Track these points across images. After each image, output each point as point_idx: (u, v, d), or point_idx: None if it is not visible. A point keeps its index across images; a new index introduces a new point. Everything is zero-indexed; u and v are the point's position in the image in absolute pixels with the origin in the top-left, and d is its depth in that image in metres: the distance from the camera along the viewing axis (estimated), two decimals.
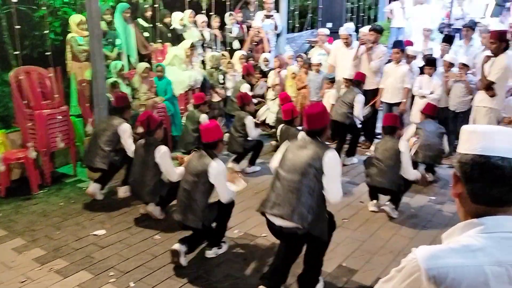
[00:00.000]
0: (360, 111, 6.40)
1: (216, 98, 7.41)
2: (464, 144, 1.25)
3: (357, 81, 6.53)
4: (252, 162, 6.18)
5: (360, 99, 6.38)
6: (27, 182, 5.38)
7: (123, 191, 5.11)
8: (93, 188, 5.10)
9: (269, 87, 7.80)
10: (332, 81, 7.25)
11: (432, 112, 5.79)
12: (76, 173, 5.95)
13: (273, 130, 7.95)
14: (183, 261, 3.75)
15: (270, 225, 3.22)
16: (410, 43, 7.50)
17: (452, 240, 1.24)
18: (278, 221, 3.12)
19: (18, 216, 4.79)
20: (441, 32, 9.25)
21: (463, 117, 6.31)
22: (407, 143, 4.81)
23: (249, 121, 6.00)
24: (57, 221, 4.65)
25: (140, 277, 3.64)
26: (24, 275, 3.65)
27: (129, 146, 5.02)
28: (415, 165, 5.19)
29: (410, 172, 4.69)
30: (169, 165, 4.45)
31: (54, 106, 5.58)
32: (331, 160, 3.05)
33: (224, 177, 3.81)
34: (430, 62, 6.51)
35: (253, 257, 3.96)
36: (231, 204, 3.97)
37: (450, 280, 1.13)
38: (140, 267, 3.79)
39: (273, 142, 6.91)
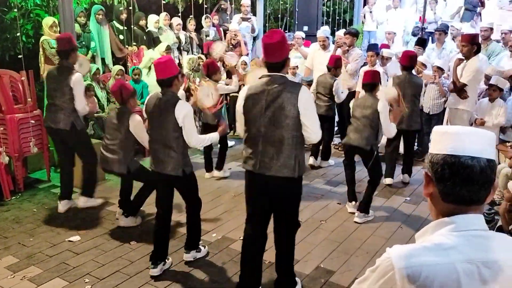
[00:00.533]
0: (340, 95, 6.33)
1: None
2: (436, 145, 1.28)
3: (331, 67, 6.21)
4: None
5: (338, 82, 6.19)
6: None
7: (83, 201, 4.98)
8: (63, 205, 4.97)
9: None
10: (309, 84, 7.29)
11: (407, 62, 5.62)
12: (50, 179, 5.82)
13: None
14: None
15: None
16: (386, 46, 7.62)
17: (425, 239, 1.26)
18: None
19: None
20: (415, 35, 9.43)
21: (437, 119, 6.44)
22: (386, 103, 4.75)
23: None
24: (30, 228, 4.54)
25: (116, 283, 3.59)
26: (6, 268, 3.56)
27: (81, 100, 4.77)
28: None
29: (390, 130, 4.68)
30: (144, 133, 4.21)
31: (26, 110, 5.46)
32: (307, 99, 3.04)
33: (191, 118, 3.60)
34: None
35: (231, 261, 3.94)
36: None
37: (423, 278, 1.15)
38: (116, 273, 3.74)
39: None
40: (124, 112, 4.40)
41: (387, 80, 6.73)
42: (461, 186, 1.22)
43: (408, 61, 5.62)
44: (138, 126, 4.32)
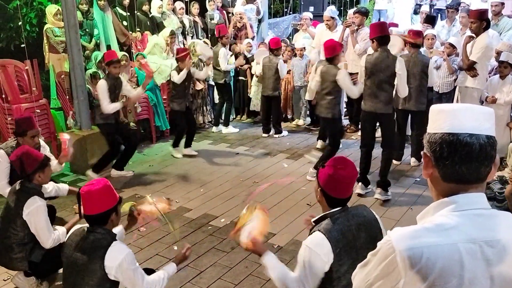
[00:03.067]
0: (283, 71, 6.85)
1: (199, 86, 7.32)
2: (433, 124, 1.24)
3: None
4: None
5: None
6: None
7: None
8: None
9: (253, 74, 7.75)
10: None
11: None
12: None
13: (259, 117, 7.94)
14: None
15: None
16: (395, 25, 7.45)
17: (426, 220, 1.23)
18: None
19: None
20: (416, 13, 9.23)
21: (447, 98, 6.31)
22: (346, 71, 5.24)
23: None
24: None
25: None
26: (7, 273, 3.57)
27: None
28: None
29: (353, 91, 5.11)
30: (43, 224, 3.18)
31: (32, 100, 5.46)
32: None
33: None
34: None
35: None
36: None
37: (425, 260, 1.12)
38: None
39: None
40: (25, 191, 3.21)
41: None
42: (460, 164, 1.18)
43: (416, 38, 5.48)
44: (36, 213, 3.16)
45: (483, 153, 1.18)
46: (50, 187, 3.70)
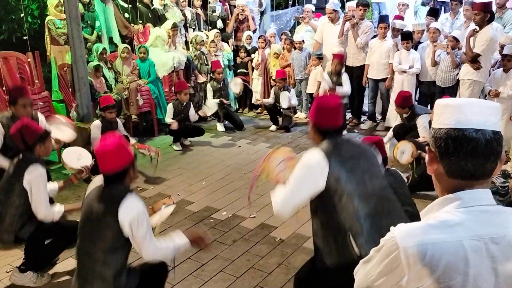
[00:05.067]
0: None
1: (201, 79, 7.31)
2: (438, 119, 1.22)
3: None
4: None
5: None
6: None
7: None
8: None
9: (254, 67, 7.73)
10: (319, 58, 7.18)
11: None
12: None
13: (260, 109, 7.93)
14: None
15: None
16: (400, 18, 7.38)
17: (430, 216, 1.22)
18: None
19: None
20: (424, 5, 9.16)
21: (450, 92, 6.29)
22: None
23: None
24: None
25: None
26: (9, 264, 3.59)
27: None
28: None
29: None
30: (42, 195, 3.16)
31: (34, 92, 5.44)
32: None
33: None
34: (405, 36, 6.42)
35: (241, 239, 3.95)
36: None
37: (429, 257, 1.11)
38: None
39: None
40: (27, 159, 3.21)
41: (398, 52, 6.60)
42: (466, 160, 1.17)
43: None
44: (36, 180, 3.14)
45: (489, 148, 1.16)
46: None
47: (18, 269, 3.33)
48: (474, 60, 5.51)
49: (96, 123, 5.21)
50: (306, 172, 2.29)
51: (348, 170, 2.27)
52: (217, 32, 7.69)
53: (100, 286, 2.43)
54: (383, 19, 6.94)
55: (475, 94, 5.53)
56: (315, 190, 2.26)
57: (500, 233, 1.15)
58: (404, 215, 2.45)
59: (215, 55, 7.43)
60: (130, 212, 2.36)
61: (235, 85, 7.05)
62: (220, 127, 7.11)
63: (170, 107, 6.24)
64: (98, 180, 2.55)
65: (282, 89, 6.88)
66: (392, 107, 6.18)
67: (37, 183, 3.13)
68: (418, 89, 6.75)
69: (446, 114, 1.20)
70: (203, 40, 7.33)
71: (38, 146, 3.23)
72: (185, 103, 6.24)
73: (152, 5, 7.54)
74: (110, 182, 2.47)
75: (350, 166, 2.29)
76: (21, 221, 3.19)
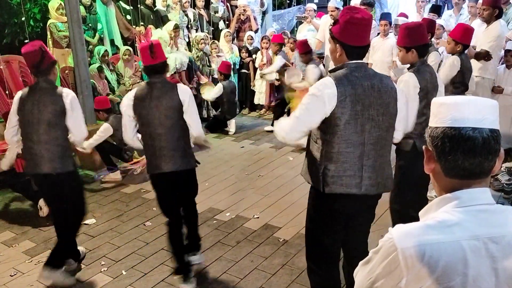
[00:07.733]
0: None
1: (203, 80, 7.31)
2: (434, 118, 1.20)
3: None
4: None
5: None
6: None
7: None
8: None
9: (257, 67, 7.72)
10: (320, 57, 7.15)
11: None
12: None
13: (264, 110, 7.91)
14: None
15: None
16: (404, 15, 7.33)
17: (429, 216, 1.20)
18: None
19: (7, 208, 4.73)
20: (429, 1, 9.12)
21: None
22: None
23: None
24: None
25: (132, 264, 3.61)
26: (14, 268, 3.60)
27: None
28: None
29: None
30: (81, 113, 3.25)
31: None
32: None
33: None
34: None
35: (245, 240, 3.93)
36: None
37: (427, 257, 1.10)
38: (132, 254, 3.76)
39: None
40: (52, 86, 3.18)
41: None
42: (463, 159, 1.14)
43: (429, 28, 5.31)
44: (75, 101, 3.21)
45: (487, 147, 1.14)
46: None
47: (49, 266, 3.31)
48: (480, 58, 5.43)
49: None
50: (314, 99, 2.25)
51: (354, 110, 2.22)
52: (227, 32, 7.67)
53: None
54: (384, 16, 6.90)
55: (486, 91, 5.44)
56: (322, 116, 2.24)
57: (500, 232, 1.13)
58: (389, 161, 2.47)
59: (218, 55, 7.43)
60: (186, 93, 3.10)
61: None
62: (232, 127, 7.06)
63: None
64: (141, 88, 3.14)
65: (277, 53, 7.02)
66: None
67: (76, 104, 3.21)
68: None
69: (442, 113, 1.18)
70: (202, 39, 7.31)
71: (53, 71, 3.23)
72: None
73: (155, 6, 7.55)
74: (153, 74, 3.12)
75: (356, 111, 2.22)
76: (61, 151, 3.20)
